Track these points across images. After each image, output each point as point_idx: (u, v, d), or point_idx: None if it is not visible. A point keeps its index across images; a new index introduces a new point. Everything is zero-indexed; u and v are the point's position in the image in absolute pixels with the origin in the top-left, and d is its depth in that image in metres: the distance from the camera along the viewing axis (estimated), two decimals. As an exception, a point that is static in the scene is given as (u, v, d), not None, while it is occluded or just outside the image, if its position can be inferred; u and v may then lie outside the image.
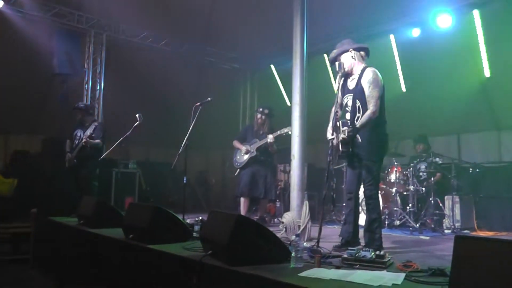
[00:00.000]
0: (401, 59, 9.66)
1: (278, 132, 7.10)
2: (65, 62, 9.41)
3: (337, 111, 4.65)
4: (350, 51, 4.77)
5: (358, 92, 4.60)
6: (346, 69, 4.75)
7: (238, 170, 7.62)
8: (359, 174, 4.70)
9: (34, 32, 9.11)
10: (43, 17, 9.19)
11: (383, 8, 8.79)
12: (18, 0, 8.84)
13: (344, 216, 4.97)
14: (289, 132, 6.71)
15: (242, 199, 7.44)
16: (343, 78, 4.82)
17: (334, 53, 4.89)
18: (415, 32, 8.77)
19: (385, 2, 8.69)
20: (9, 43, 9.22)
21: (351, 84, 4.75)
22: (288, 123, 6.45)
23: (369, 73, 4.58)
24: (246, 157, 7.47)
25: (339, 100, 4.77)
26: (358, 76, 4.67)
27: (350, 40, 4.93)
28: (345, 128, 4.32)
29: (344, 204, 4.92)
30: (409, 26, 8.88)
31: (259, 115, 7.63)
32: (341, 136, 4.29)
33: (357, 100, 4.60)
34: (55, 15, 9.37)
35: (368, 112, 4.43)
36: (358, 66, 4.75)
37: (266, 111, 7.61)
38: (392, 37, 9.48)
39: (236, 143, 7.70)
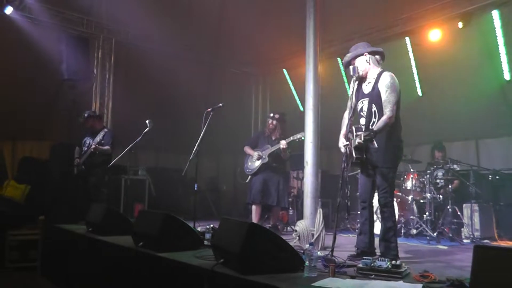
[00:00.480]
0: (417, 62, 9.61)
1: (291, 138, 7.09)
2: (73, 68, 9.45)
3: (351, 117, 4.64)
4: (365, 55, 4.77)
5: (375, 97, 4.60)
6: (360, 73, 4.75)
7: (249, 176, 7.62)
8: (373, 182, 4.70)
9: (42, 38, 9.17)
10: (51, 23, 9.27)
11: (398, 9, 8.77)
12: (27, 5, 8.93)
13: (359, 226, 4.95)
14: (302, 138, 6.72)
15: (253, 207, 7.44)
16: (357, 82, 4.81)
17: (348, 56, 4.89)
18: (431, 34, 8.71)
19: (401, 3, 8.67)
20: (18, 49, 9.31)
21: (367, 88, 4.75)
22: (301, 129, 6.45)
23: (386, 77, 4.58)
24: (258, 163, 7.47)
25: (352, 105, 4.77)
26: (374, 80, 4.67)
27: (365, 44, 4.94)
28: (361, 132, 4.31)
29: (358, 213, 4.90)
30: (425, 28, 8.82)
31: (270, 121, 7.64)
32: (357, 140, 4.26)
33: (373, 105, 4.60)
34: (63, 20, 9.46)
35: (384, 117, 4.42)
36: (373, 70, 4.75)
37: (277, 116, 7.62)
38: (407, 39, 9.44)
39: (248, 149, 7.71)
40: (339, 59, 10.09)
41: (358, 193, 4.96)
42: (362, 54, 4.78)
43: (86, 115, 7.89)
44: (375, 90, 4.61)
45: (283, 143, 7.15)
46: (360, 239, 4.75)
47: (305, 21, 6.23)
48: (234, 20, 10.34)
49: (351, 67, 4.76)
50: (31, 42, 9.06)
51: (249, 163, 7.64)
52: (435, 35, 8.60)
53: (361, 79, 4.81)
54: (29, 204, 8.60)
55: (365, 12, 9.11)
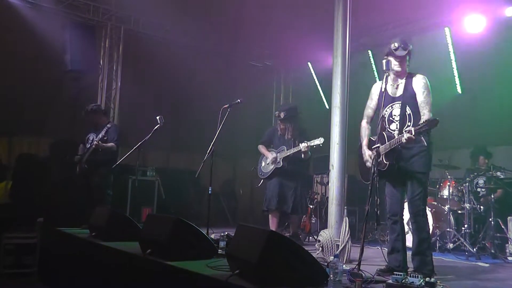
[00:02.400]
0: (458, 55, 9.50)
1: (311, 144, 7.00)
2: (78, 58, 9.53)
3: (382, 121, 4.65)
4: (409, 53, 4.73)
5: (409, 99, 4.65)
6: (397, 70, 4.72)
7: (261, 180, 7.59)
8: (403, 192, 4.73)
9: (45, 25, 9.26)
10: (55, 9, 9.38)
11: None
12: (28, -11, 9.04)
13: (389, 243, 4.91)
14: (320, 145, 6.81)
15: (270, 214, 7.42)
16: (384, 84, 4.79)
17: (399, 47, 4.70)
18: (474, 24, 8.58)
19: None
20: (17, 37, 9.43)
21: (397, 91, 4.76)
22: (326, 129, 6.43)
23: (421, 79, 4.67)
24: (271, 167, 7.44)
25: (373, 108, 4.87)
26: (405, 81, 4.72)
27: (407, 40, 4.86)
28: (409, 128, 4.21)
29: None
30: (467, 17, 8.70)
31: (278, 122, 7.58)
32: (406, 135, 4.19)
33: (407, 108, 4.64)
34: (68, 6, 9.57)
35: (426, 118, 4.38)
36: (404, 71, 4.78)
37: (282, 114, 7.44)
38: (447, 30, 9.33)
39: (262, 149, 7.66)
40: (370, 52, 10.06)
41: (387, 206, 4.90)
42: (407, 51, 4.70)
43: (89, 109, 7.85)
44: (409, 91, 4.66)
45: (303, 146, 7.04)
46: (393, 257, 4.73)
47: (333, 8, 6.22)
48: (255, 8, 10.33)
49: (384, 61, 4.71)
50: (32, 30, 9.16)
51: (263, 164, 7.62)
52: (478, 25, 8.49)
53: (387, 81, 4.80)
54: (16, 202, 8.64)
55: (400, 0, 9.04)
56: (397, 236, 4.75)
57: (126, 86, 10.35)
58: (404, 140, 4.24)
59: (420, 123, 4.21)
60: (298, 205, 7.38)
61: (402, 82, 4.74)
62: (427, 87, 4.61)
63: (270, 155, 7.51)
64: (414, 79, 4.68)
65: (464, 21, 8.71)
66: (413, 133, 4.14)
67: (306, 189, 8.16)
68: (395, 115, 4.72)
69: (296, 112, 7.56)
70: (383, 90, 4.79)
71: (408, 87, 4.67)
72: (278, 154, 7.41)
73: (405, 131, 4.25)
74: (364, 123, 5.03)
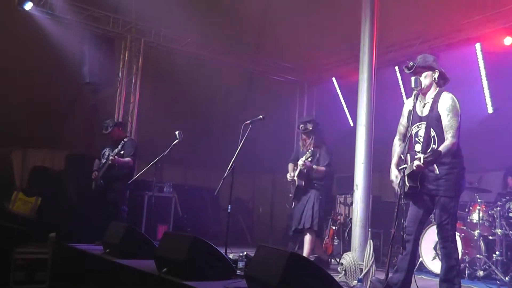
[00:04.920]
0: (489, 73, 9.41)
1: (308, 155, 6.90)
2: (97, 71, 9.63)
3: (409, 141, 4.64)
4: (435, 72, 4.73)
5: (434, 120, 4.61)
6: (422, 87, 4.70)
7: (293, 203, 7.45)
8: (424, 215, 4.71)
9: (63, 36, 9.40)
10: (74, 20, 9.46)
11: (467, 10, 8.61)
12: (48, 1, 9.14)
13: (397, 261, 4.86)
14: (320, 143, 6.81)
15: (305, 237, 7.14)
16: (414, 100, 4.77)
17: (418, 62, 4.75)
18: (507, 40, 8.53)
19: (471, 3, 8.50)
20: (36, 48, 9.59)
21: (424, 110, 4.75)
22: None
23: (447, 99, 4.60)
24: (294, 186, 7.37)
25: (405, 126, 4.80)
26: (432, 100, 4.69)
27: (435, 58, 4.85)
28: (420, 155, 4.25)
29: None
30: (500, 33, 8.64)
31: (303, 135, 7.38)
32: (415, 163, 4.23)
33: (431, 129, 4.61)
34: (87, 18, 9.66)
35: (447, 143, 4.40)
36: (432, 90, 4.75)
37: (302, 126, 7.29)
38: (478, 46, 9.27)
39: (289, 167, 7.57)
40: (396, 68, 10.02)
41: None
42: (434, 70, 4.73)
43: (112, 124, 7.87)
44: (434, 112, 4.62)
45: (300, 162, 6.94)
46: (396, 276, 4.68)
47: (360, 23, 6.24)
48: (279, 21, 10.39)
49: (413, 78, 4.71)
50: (51, 41, 9.31)
51: (292, 184, 7.55)
52: (510, 40, 8.43)
53: (417, 99, 4.78)
54: (41, 219, 8.76)
55: (428, 14, 9.02)
56: (405, 256, 4.69)
57: (145, 99, 10.39)
58: (415, 168, 4.25)
59: (428, 151, 4.27)
60: (307, 219, 6.99)
61: (429, 102, 4.70)
62: (452, 108, 4.53)
63: (288, 175, 7.34)
64: (441, 98, 4.63)
65: (496, 37, 8.64)
66: (422, 162, 4.14)
67: (324, 204, 7.78)
68: (420, 136, 4.70)
69: (314, 123, 7.33)
70: (411, 108, 4.79)
71: (434, 106, 4.64)
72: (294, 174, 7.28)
73: (417, 158, 4.25)
74: (396, 140, 5.00)
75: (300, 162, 6.91)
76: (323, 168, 7.07)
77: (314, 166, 6.99)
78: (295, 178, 7.15)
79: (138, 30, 10.36)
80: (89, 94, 10.28)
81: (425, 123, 4.67)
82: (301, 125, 7.34)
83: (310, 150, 6.91)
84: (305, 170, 6.99)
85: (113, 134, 7.84)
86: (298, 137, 7.82)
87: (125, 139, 7.70)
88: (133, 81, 10.36)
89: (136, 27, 10.29)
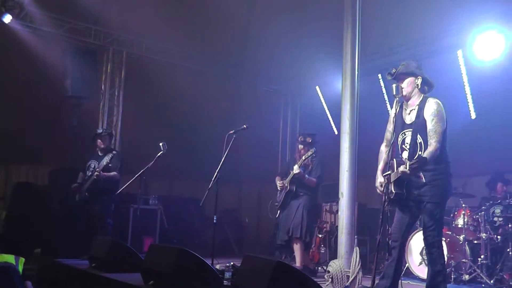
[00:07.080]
0: (471, 79, 9.51)
1: (303, 158, 7.02)
2: (79, 83, 9.59)
3: (394, 147, 4.68)
4: (418, 78, 4.78)
5: (420, 126, 4.65)
6: (404, 94, 4.76)
7: (278, 211, 7.52)
8: (410, 221, 4.74)
9: (45, 49, 9.36)
10: (55, 33, 9.44)
11: (450, 17, 8.68)
12: (28, 14, 9.10)
13: (384, 268, 4.91)
14: (314, 155, 6.83)
15: (295, 246, 7.24)
16: (399, 106, 4.83)
17: (400, 68, 4.83)
18: (490, 46, 8.57)
19: (453, 9, 8.58)
20: (17, 62, 9.51)
21: (410, 117, 4.79)
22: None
23: (432, 105, 4.64)
24: (283, 193, 7.43)
25: (391, 132, 4.84)
26: (417, 107, 4.72)
27: (418, 65, 4.91)
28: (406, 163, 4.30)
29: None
30: (482, 39, 8.69)
31: (300, 146, 7.56)
32: (401, 169, 4.29)
33: (418, 136, 4.65)
34: (69, 30, 9.63)
35: (430, 149, 4.45)
36: (417, 97, 4.80)
37: (309, 139, 7.41)
38: (459, 52, 9.36)
39: (276, 179, 7.64)
40: (380, 76, 10.10)
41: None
42: (416, 76, 4.78)
43: (102, 133, 7.91)
44: (420, 118, 4.66)
45: (295, 169, 7.01)
46: (382, 284, 4.71)
47: (342, 31, 6.31)
48: (262, 31, 10.43)
49: (394, 85, 4.78)
50: (32, 55, 9.26)
51: (278, 195, 7.60)
52: (494, 47, 8.51)
53: (402, 106, 4.84)
54: (8, 231, 8.67)
55: (412, 21, 9.10)
56: (391, 262, 4.73)
57: (128, 111, 10.37)
58: (400, 174, 4.31)
59: (414, 158, 4.30)
60: (295, 227, 7.07)
61: (415, 108, 4.74)
62: (437, 113, 4.57)
63: (278, 183, 7.47)
64: (426, 104, 4.66)
65: (478, 44, 8.72)
66: (407, 168, 4.19)
67: (312, 212, 7.88)
68: (407, 143, 4.73)
69: (314, 138, 7.43)
70: (395, 115, 4.83)
71: (420, 113, 4.67)
72: (286, 180, 7.39)
73: (400, 166, 4.32)
74: (383, 147, 5.04)
75: (296, 167, 6.99)
76: (314, 180, 7.19)
77: (306, 176, 7.10)
78: (287, 184, 7.24)
79: (120, 42, 10.33)
80: (72, 108, 10.22)
81: (411, 130, 4.71)
82: (300, 137, 7.47)
83: (303, 159, 7.00)
84: (298, 177, 7.08)
85: (104, 140, 7.85)
86: (285, 146, 7.91)
87: (114, 152, 7.71)
88: (116, 93, 10.32)
89: (119, 38, 10.26)
